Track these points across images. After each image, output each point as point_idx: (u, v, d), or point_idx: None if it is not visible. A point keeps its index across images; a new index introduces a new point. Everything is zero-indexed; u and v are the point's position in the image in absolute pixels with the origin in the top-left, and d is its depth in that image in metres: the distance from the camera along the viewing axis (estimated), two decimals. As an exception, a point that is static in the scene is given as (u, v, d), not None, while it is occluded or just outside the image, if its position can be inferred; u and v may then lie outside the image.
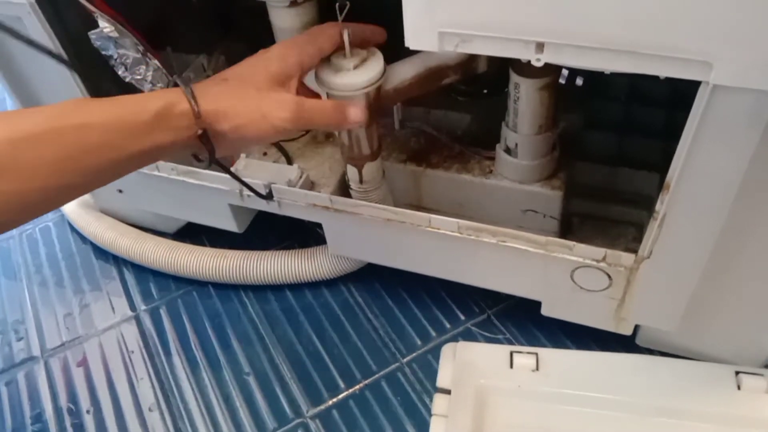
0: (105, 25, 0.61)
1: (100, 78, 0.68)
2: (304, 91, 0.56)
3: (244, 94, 0.50)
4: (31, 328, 0.88)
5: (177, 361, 0.81)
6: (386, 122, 0.78)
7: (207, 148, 0.49)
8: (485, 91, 0.78)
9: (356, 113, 0.55)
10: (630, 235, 0.71)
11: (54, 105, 0.44)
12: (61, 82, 0.71)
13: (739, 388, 0.64)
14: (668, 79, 0.44)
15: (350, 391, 0.75)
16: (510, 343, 0.77)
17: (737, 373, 0.65)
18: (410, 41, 0.49)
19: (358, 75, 0.56)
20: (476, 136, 0.75)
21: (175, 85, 0.49)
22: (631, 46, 0.43)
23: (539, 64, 0.47)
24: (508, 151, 0.68)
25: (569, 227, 0.73)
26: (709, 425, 0.63)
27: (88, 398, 0.78)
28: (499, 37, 0.46)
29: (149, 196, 0.84)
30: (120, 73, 0.62)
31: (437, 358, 0.73)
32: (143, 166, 0.48)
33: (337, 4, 0.55)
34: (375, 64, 0.57)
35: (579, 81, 0.81)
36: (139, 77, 0.61)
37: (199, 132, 0.48)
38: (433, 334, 0.79)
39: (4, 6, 0.65)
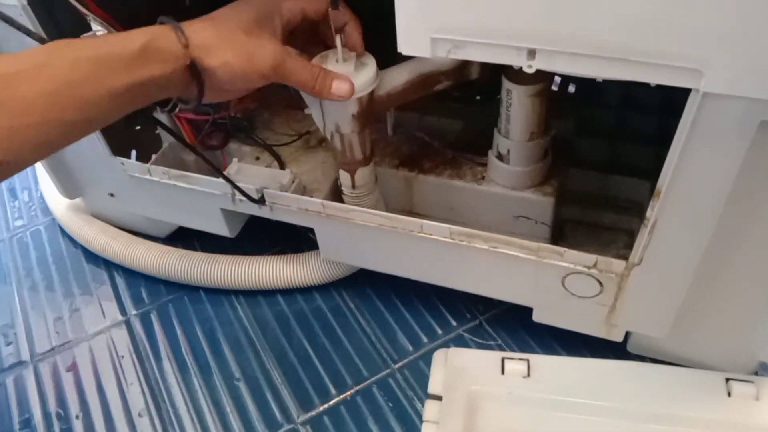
0: (98, 28, 0.61)
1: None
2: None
3: (232, 34, 0.50)
4: (21, 333, 0.87)
5: (167, 366, 0.80)
6: (379, 128, 0.78)
7: (196, 81, 0.50)
8: (478, 97, 0.79)
9: (340, 88, 0.55)
10: (621, 241, 0.71)
11: (42, 45, 0.44)
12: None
13: (729, 394, 0.64)
14: (659, 87, 0.44)
15: (341, 396, 0.74)
16: (501, 349, 0.77)
17: (727, 379, 0.65)
18: (403, 47, 0.49)
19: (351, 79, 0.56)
20: (469, 142, 0.76)
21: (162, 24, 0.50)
22: (622, 54, 0.43)
23: (531, 71, 0.47)
24: (500, 157, 0.69)
25: (561, 234, 0.73)
26: (699, 431, 0.63)
27: (78, 403, 0.78)
28: (491, 43, 0.46)
29: (141, 200, 0.84)
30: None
31: (429, 364, 0.73)
32: (140, 105, 0.48)
33: (330, 8, 0.55)
34: (368, 70, 0.57)
35: (571, 88, 0.82)
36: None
37: (188, 62, 0.48)
38: (425, 339, 0.79)
39: (-4, 8, 0.65)
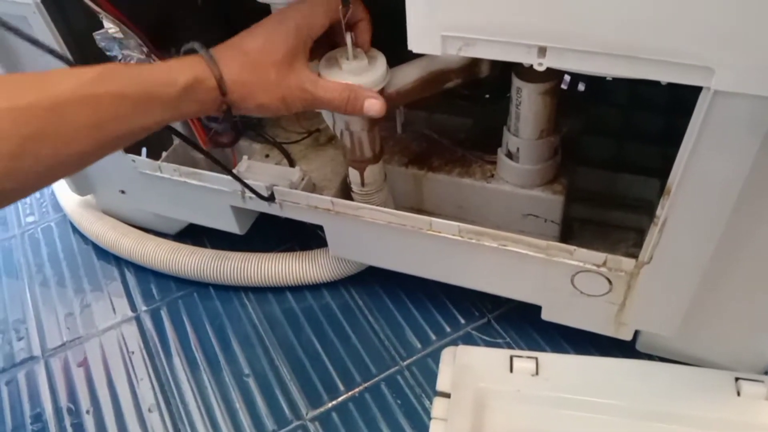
0: (110, 26, 0.61)
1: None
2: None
3: (266, 76, 0.52)
4: (32, 328, 0.88)
5: (177, 362, 0.81)
6: (388, 125, 0.78)
7: (228, 120, 0.53)
8: (487, 95, 0.79)
9: (372, 107, 0.55)
10: (630, 240, 0.71)
11: (87, 69, 0.44)
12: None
13: (738, 394, 0.64)
14: (669, 85, 0.44)
15: (350, 393, 0.75)
16: (510, 347, 0.77)
17: (737, 379, 0.64)
18: (413, 44, 0.49)
19: (361, 78, 0.56)
20: (478, 140, 0.76)
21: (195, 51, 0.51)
22: (633, 51, 0.43)
23: (541, 69, 0.47)
24: (509, 155, 0.69)
25: (570, 232, 0.73)
26: (708, 431, 0.63)
27: (88, 398, 0.78)
28: (501, 41, 0.46)
29: (151, 197, 0.84)
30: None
31: (437, 361, 0.73)
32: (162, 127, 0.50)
33: (340, 7, 0.55)
34: (378, 67, 0.57)
35: (581, 86, 0.82)
36: (143, 78, 0.62)
37: (224, 107, 0.51)
38: (433, 337, 0.79)
39: (10, 6, 0.65)
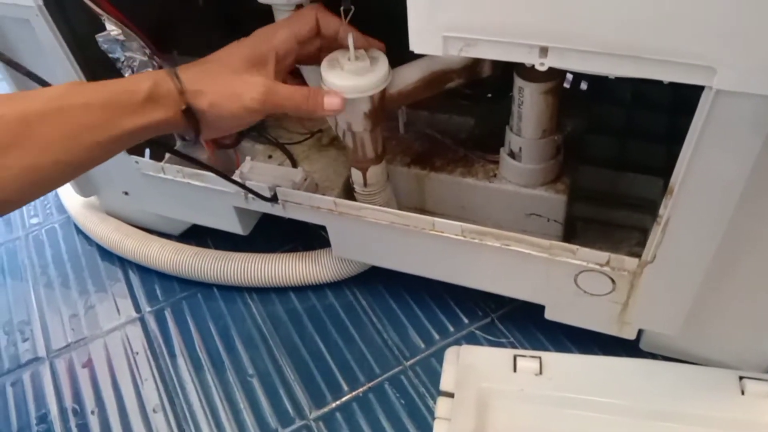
0: (112, 28, 0.61)
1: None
2: (292, 80, 0.59)
3: (220, 75, 0.53)
4: (37, 329, 0.88)
5: (181, 362, 0.81)
6: (391, 126, 0.78)
7: (191, 123, 0.52)
8: (489, 95, 0.79)
9: (332, 103, 0.56)
10: (634, 239, 0.71)
11: (54, 87, 0.48)
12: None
13: (742, 393, 0.64)
14: (672, 84, 0.44)
15: (353, 393, 0.75)
16: (513, 346, 0.77)
17: (741, 378, 0.64)
18: (414, 45, 0.49)
19: (363, 79, 0.56)
20: (480, 139, 0.76)
21: (161, 67, 0.53)
22: (635, 51, 0.43)
23: (543, 68, 0.47)
24: (512, 154, 0.69)
25: (573, 231, 0.73)
26: (712, 430, 0.62)
27: (93, 399, 0.79)
28: (503, 41, 0.46)
29: (155, 198, 0.85)
30: (127, 75, 0.63)
31: (440, 361, 0.73)
32: (140, 141, 0.52)
33: (342, 8, 0.55)
34: (380, 67, 0.57)
35: (583, 85, 0.82)
36: (145, 80, 0.62)
37: (183, 107, 0.51)
38: (437, 337, 0.79)
39: (12, 9, 0.66)
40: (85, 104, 0.46)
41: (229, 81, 0.53)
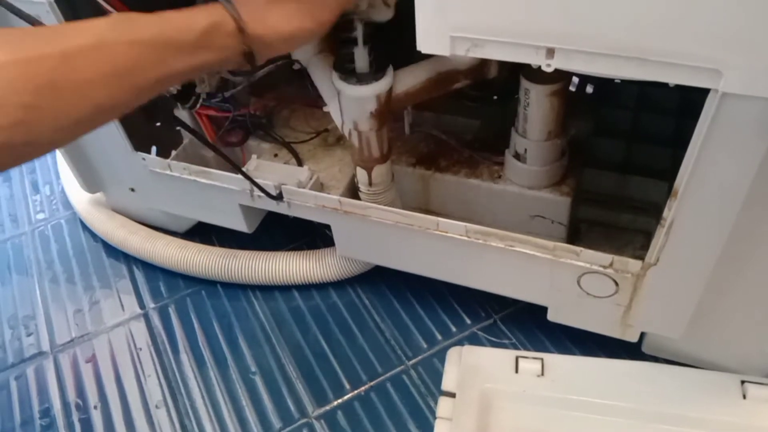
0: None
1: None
2: None
3: (288, 5, 0.49)
4: (41, 324, 0.89)
5: (184, 359, 0.81)
6: (396, 126, 0.79)
7: (251, 65, 0.49)
8: (495, 96, 0.79)
9: None
10: (638, 242, 0.71)
11: (101, 19, 0.42)
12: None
13: (744, 397, 0.64)
14: (677, 87, 0.44)
15: (355, 392, 0.75)
16: (515, 347, 0.77)
17: (743, 382, 0.64)
18: (421, 45, 0.50)
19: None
20: (485, 141, 0.76)
21: None
22: (641, 53, 0.43)
23: (549, 70, 0.47)
24: (517, 156, 0.69)
25: (577, 233, 0.73)
26: (713, 434, 0.63)
27: (96, 394, 0.79)
28: (509, 42, 0.46)
29: (160, 195, 0.85)
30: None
31: (443, 361, 0.74)
32: (186, 81, 0.48)
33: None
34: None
35: (589, 88, 0.82)
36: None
37: (245, 49, 0.47)
38: (439, 337, 0.79)
39: (23, 5, 0.66)
40: (133, 41, 0.42)
41: (302, 8, 0.49)
